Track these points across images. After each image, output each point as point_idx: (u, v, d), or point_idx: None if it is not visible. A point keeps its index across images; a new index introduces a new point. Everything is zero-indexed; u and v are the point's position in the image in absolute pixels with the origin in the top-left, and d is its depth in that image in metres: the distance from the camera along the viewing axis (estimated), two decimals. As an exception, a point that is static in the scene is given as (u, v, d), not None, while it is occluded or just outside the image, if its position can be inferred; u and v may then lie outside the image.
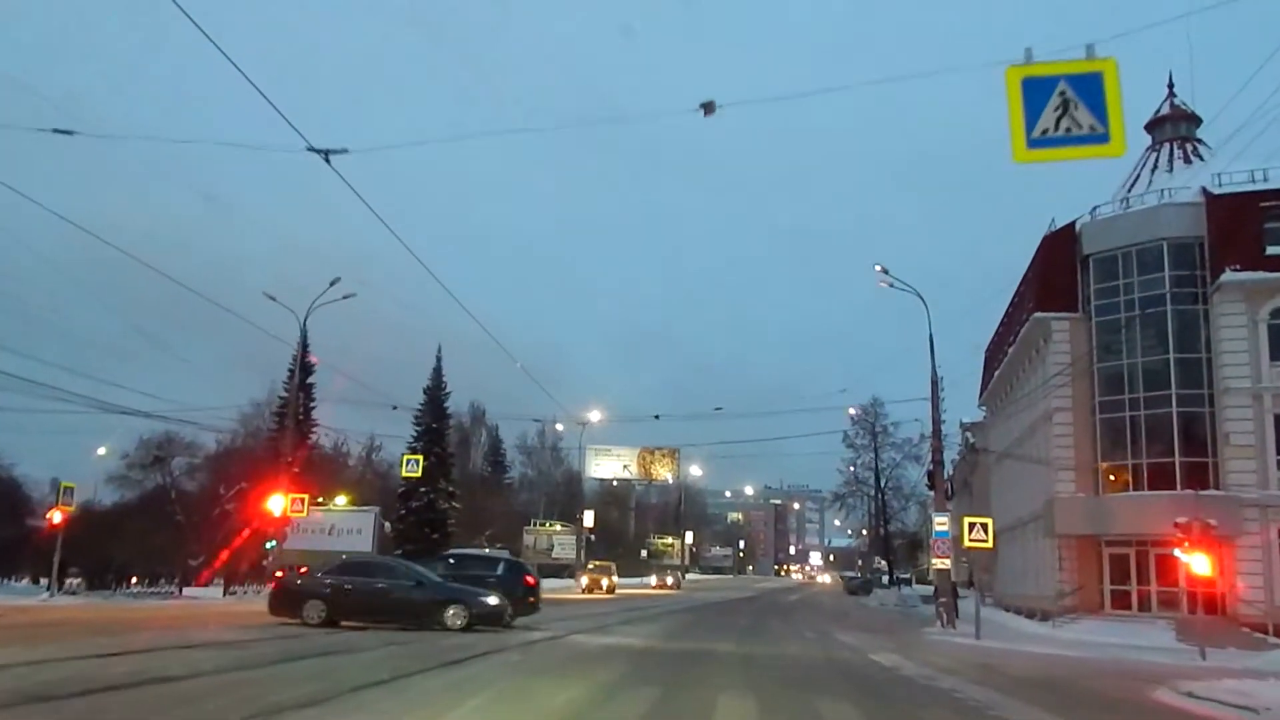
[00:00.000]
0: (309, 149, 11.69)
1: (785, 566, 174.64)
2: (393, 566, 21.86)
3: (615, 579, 55.78)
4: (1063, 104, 7.44)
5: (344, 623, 18.48)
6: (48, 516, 29.57)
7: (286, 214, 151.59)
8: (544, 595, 45.18)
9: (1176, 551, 23.92)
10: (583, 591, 50.91)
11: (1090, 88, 7.41)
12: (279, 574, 22.43)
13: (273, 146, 12.93)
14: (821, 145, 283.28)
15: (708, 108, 9.50)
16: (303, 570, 22.09)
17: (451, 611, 19.12)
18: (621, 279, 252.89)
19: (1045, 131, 7.46)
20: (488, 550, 42.11)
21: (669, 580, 72.20)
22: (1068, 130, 7.44)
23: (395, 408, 44.73)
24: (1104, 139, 7.41)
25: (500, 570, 24.76)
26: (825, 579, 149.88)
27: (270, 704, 8.09)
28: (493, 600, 19.88)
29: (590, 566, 58.50)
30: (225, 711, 7.92)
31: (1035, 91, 7.49)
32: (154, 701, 8.40)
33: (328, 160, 11.85)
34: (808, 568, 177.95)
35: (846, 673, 15.32)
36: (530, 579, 24.66)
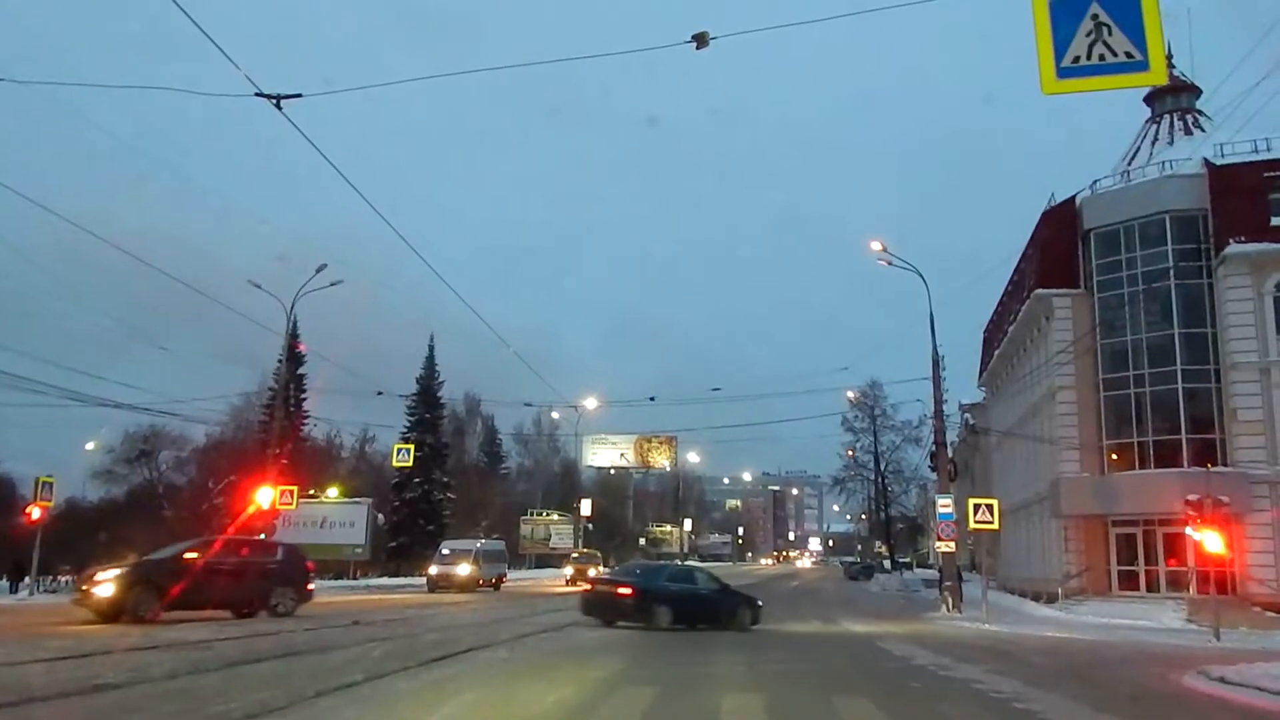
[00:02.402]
0: (258, 94, 10.92)
1: (784, 553, 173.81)
2: (697, 572, 24.42)
3: (603, 569, 50.81)
4: (1095, 28, 6.62)
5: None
6: (26, 512, 28.77)
7: (272, 202, 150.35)
8: (532, 585, 44.52)
9: (1188, 529, 23.26)
10: (567, 583, 46.12)
11: (1126, 10, 6.57)
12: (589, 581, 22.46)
13: (222, 92, 12.18)
14: (817, 127, 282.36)
15: (700, 39, 8.70)
16: None
17: (745, 613, 21.51)
18: (614, 267, 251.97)
19: (1077, 59, 6.64)
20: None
21: (591, 574, 47.29)
22: (1101, 57, 6.61)
23: (380, 393, 43.90)
24: (1142, 66, 6.60)
25: (280, 555, 21.18)
26: (805, 563, 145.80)
27: (210, 716, 7.27)
28: (760, 603, 22.28)
29: (574, 556, 53.10)
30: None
31: (1064, 15, 6.66)
32: (82, 713, 7.61)
33: (279, 106, 11.08)
34: (784, 554, 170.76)
35: (857, 663, 14.62)
36: (310, 565, 21.78)
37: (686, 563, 42.68)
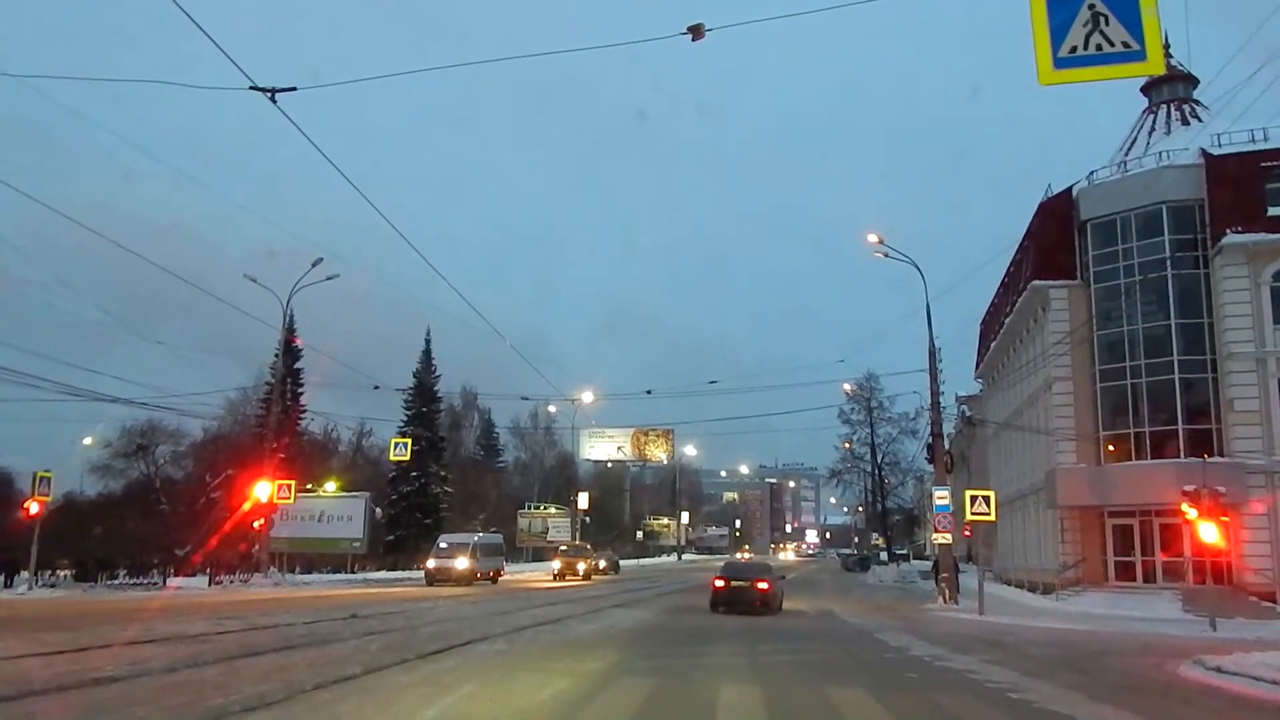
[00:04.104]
0: (253, 88, 10.89)
1: (781, 544, 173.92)
2: (772, 566, 28.88)
3: (595, 563, 49.72)
4: (1092, 19, 6.63)
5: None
6: (24, 507, 28.75)
7: (266, 197, 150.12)
8: (514, 579, 44.36)
9: (1191, 513, 23.25)
10: (555, 578, 44.83)
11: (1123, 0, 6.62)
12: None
13: (217, 86, 12.18)
14: (810, 121, 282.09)
15: (695, 31, 8.70)
16: None
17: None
18: (606, 260, 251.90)
19: (1074, 49, 6.65)
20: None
21: (580, 568, 46.34)
22: (1099, 48, 6.62)
23: (377, 387, 43.91)
24: (1140, 56, 6.61)
25: None
26: (790, 556, 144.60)
27: (209, 709, 7.28)
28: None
29: (562, 549, 51.04)
30: (154, 718, 7.13)
31: (1061, 6, 6.67)
32: (81, 707, 7.61)
33: (274, 100, 11.06)
34: (781, 545, 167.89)
35: (854, 654, 14.68)
36: None
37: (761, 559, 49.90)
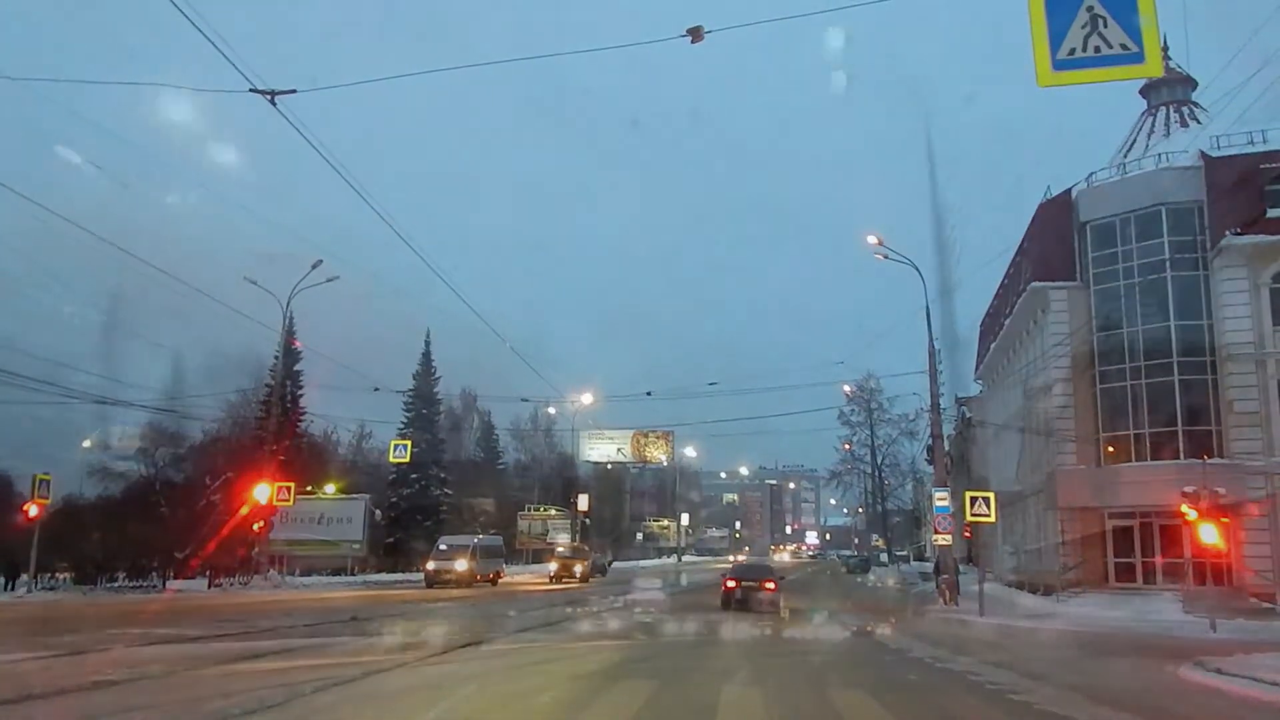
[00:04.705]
0: (253, 90, 10.92)
1: (779, 546, 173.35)
2: (773, 567, 31.21)
3: (590, 564, 49.06)
4: (1091, 21, 6.64)
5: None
6: (24, 509, 28.74)
7: (266, 198, 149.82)
8: (513, 581, 44.21)
9: (1191, 515, 23.20)
10: (551, 580, 44.68)
11: (1121, 2, 6.62)
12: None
13: (217, 88, 12.22)
14: (807, 120, 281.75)
15: (695, 33, 8.72)
16: None
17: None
18: (609, 263, 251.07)
19: (1073, 52, 6.64)
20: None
21: (577, 570, 46.19)
22: (1097, 50, 6.62)
23: (377, 389, 43.86)
24: (1138, 58, 6.62)
25: None
26: (785, 557, 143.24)
27: (209, 713, 7.28)
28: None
29: (559, 551, 50.65)
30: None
31: (1059, 8, 6.67)
32: (80, 711, 7.59)
33: (273, 102, 11.09)
34: (779, 546, 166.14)
35: (855, 656, 14.69)
36: None
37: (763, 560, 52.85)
